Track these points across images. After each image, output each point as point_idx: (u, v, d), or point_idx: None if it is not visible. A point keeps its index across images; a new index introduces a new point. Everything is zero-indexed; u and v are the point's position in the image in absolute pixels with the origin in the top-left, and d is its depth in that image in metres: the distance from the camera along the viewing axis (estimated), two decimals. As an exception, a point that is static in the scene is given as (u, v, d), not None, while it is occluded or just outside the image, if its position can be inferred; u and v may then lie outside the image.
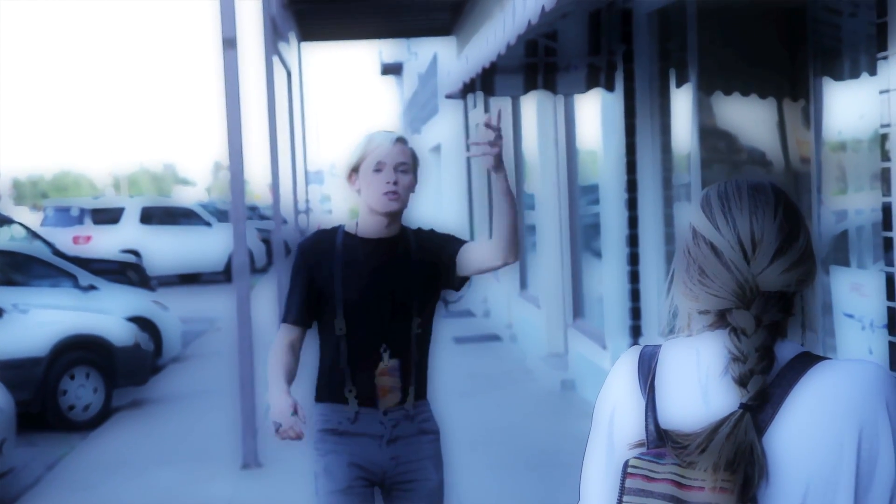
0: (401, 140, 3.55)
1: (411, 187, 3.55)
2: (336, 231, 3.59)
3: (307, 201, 16.68)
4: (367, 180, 3.50)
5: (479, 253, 3.54)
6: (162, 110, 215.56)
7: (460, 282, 3.61)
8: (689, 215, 1.67)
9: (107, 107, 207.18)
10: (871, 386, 1.54)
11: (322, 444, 3.51)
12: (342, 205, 58.78)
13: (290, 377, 3.50)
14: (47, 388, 9.30)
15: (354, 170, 3.55)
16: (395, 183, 3.48)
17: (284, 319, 3.57)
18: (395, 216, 3.54)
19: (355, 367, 3.49)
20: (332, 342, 3.51)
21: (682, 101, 6.77)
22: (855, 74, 4.66)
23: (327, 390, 3.55)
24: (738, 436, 1.49)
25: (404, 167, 3.52)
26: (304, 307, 3.54)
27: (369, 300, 3.49)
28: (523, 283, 13.01)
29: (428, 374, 3.66)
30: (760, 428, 1.51)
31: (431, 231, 3.68)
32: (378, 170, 3.49)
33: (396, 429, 3.52)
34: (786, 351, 1.58)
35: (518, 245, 3.52)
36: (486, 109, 14.72)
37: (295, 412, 3.34)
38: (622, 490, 1.52)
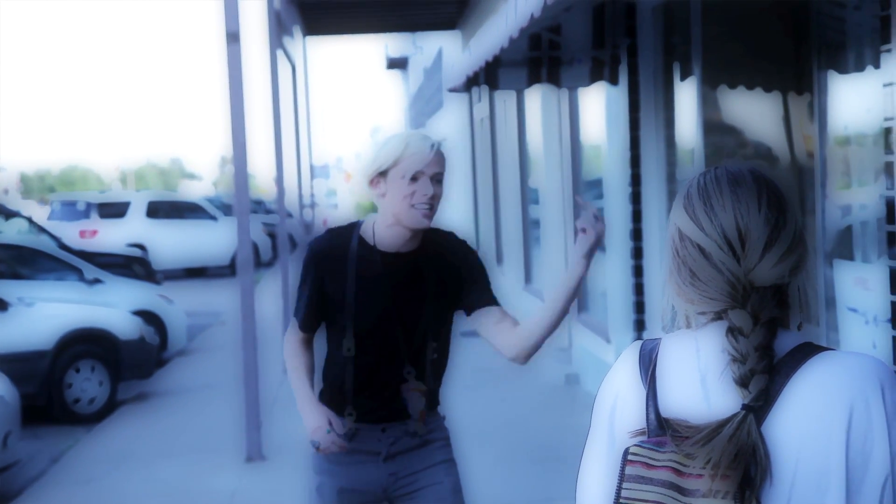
0: (438, 146, 3.16)
1: (440, 199, 3.19)
2: (350, 233, 3.23)
3: (312, 195, 16.69)
4: (399, 189, 3.10)
5: (497, 331, 3.25)
6: (168, 105, 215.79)
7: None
8: (673, 215, 1.63)
9: (113, 102, 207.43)
10: (865, 376, 1.51)
11: (317, 461, 3.31)
12: (348, 199, 58.94)
13: (312, 376, 3.32)
14: (53, 380, 9.32)
15: (382, 174, 3.13)
16: (433, 197, 3.12)
17: (295, 315, 3.32)
18: (420, 230, 3.20)
19: (359, 389, 3.25)
20: (339, 358, 3.25)
21: (687, 95, 6.76)
22: (860, 68, 4.65)
23: (328, 399, 3.31)
24: (740, 437, 1.47)
25: (440, 177, 3.15)
26: (313, 313, 3.27)
27: (384, 324, 3.19)
28: (528, 277, 13.01)
29: (440, 392, 3.39)
30: (759, 422, 1.49)
31: (452, 238, 3.34)
32: (415, 179, 3.10)
33: (395, 445, 3.29)
34: (786, 342, 1.56)
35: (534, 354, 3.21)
36: (491, 103, 14.73)
37: (331, 426, 3.19)
38: (622, 477, 1.51)
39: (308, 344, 3.36)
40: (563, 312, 3.20)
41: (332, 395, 3.30)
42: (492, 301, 3.30)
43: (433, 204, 3.15)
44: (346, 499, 3.28)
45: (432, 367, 3.30)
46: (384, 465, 3.29)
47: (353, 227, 3.25)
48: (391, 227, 3.18)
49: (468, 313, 3.30)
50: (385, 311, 3.19)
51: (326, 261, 3.21)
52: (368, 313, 3.19)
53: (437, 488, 3.33)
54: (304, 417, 3.23)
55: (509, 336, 3.23)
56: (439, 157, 3.15)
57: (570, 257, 3.00)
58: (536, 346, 3.21)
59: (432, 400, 3.36)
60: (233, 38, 7.61)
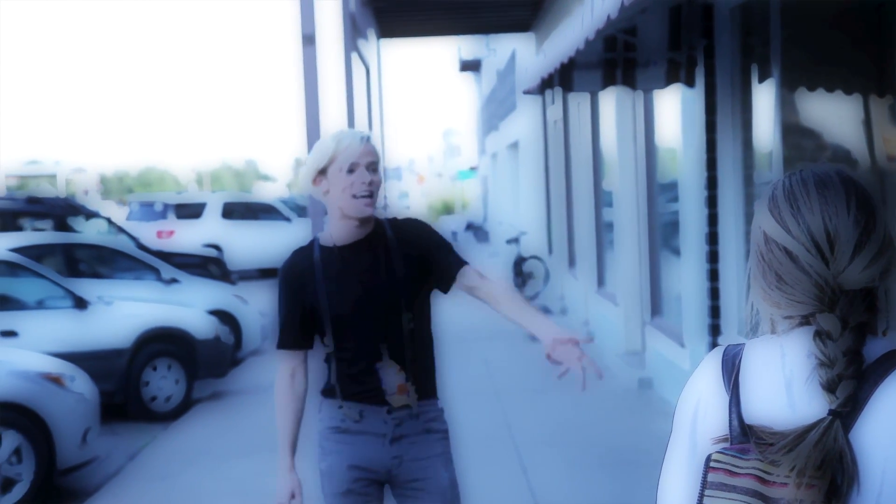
0: (368, 139, 3.42)
1: (380, 186, 3.42)
2: (312, 246, 3.47)
3: (385, 197, 16.77)
4: (339, 182, 3.35)
5: (484, 287, 3.44)
6: (244, 107, 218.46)
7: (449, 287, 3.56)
8: (759, 218, 1.61)
9: (190, 104, 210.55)
10: None
11: (325, 443, 3.48)
12: (420, 200, 59.06)
13: (298, 423, 3.49)
14: (130, 379, 9.49)
15: (322, 172, 3.38)
16: (371, 183, 3.35)
17: (282, 345, 3.50)
18: (366, 219, 3.41)
19: (345, 380, 3.42)
20: (325, 356, 3.49)
21: (765, 98, 6.66)
22: (944, 69, 4.54)
23: (328, 389, 3.51)
24: (826, 443, 1.44)
25: (374, 166, 3.38)
26: (300, 329, 3.47)
27: (357, 310, 3.38)
28: (601, 281, 12.93)
29: (432, 372, 3.52)
30: (846, 429, 1.47)
31: (409, 221, 3.54)
32: (351, 170, 3.34)
33: (400, 427, 3.43)
34: (875, 348, 1.53)
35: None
36: (565, 105, 14.66)
37: (293, 497, 3.47)
38: (704, 484, 1.49)
39: (298, 372, 3.51)
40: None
41: (327, 390, 3.50)
42: (463, 262, 3.48)
43: (372, 191, 3.37)
44: (355, 475, 3.44)
45: (410, 337, 3.42)
46: (390, 447, 3.44)
47: (314, 241, 3.50)
48: (341, 220, 3.41)
49: (454, 277, 3.45)
50: (356, 300, 3.38)
51: (295, 276, 3.45)
52: (341, 307, 3.39)
53: (437, 481, 3.47)
54: (277, 474, 3.51)
55: (500, 299, 3.45)
56: (371, 148, 3.40)
57: (552, 334, 3.44)
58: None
59: (423, 381, 3.46)
60: (308, 40, 7.68)
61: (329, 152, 3.36)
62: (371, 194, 3.35)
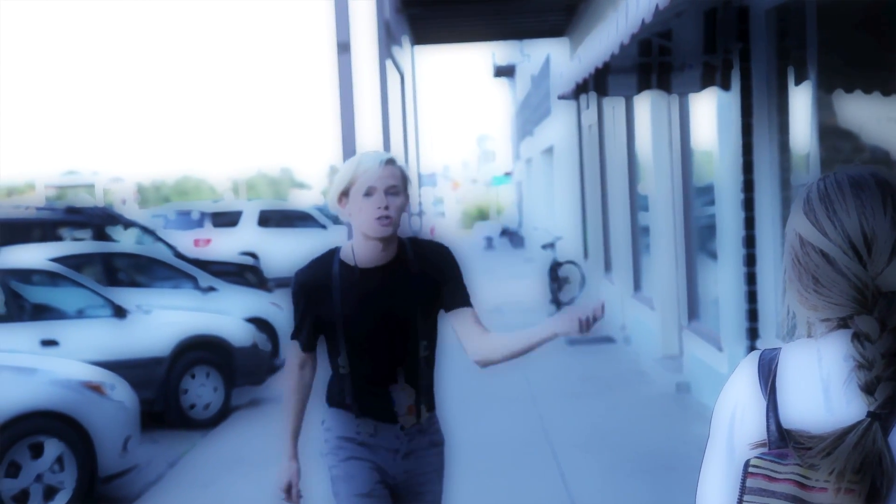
0: (390, 161, 3.43)
1: (403, 208, 3.44)
2: (332, 258, 3.49)
3: (420, 204, 16.80)
4: (358, 205, 3.39)
5: (469, 332, 3.45)
6: (278, 115, 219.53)
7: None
8: (793, 221, 1.61)
9: (226, 113, 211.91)
10: None
11: (341, 451, 3.56)
12: (454, 207, 58.97)
13: (303, 412, 3.65)
14: (169, 387, 9.55)
15: (344, 194, 3.43)
16: (387, 207, 3.37)
17: (294, 337, 3.60)
18: (389, 240, 3.43)
19: (363, 401, 3.50)
20: (337, 374, 3.54)
21: (802, 100, 6.63)
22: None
23: (341, 403, 3.57)
24: (865, 445, 1.44)
25: (394, 189, 3.40)
26: (309, 334, 3.56)
27: (374, 336, 3.44)
28: (637, 285, 12.89)
29: (434, 387, 3.62)
30: (885, 431, 1.46)
31: (431, 243, 3.60)
32: (368, 194, 3.37)
33: (411, 443, 3.54)
34: None
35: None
36: (599, 110, 14.63)
37: (289, 493, 3.64)
38: (742, 489, 1.49)
39: (307, 365, 3.63)
40: (528, 350, 3.40)
41: (339, 403, 3.58)
42: (466, 302, 3.51)
43: (389, 214, 3.38)
44: (377, 477, 3.52)
45: (425, 363, 3.52)
46: (402, 462, 3.54)
47: (334, 252, 3.51)
48: (365, 241, 3.44)
49: (446, 310, 3.52)
50: (374, 324, 3.43)
51: (312, 289, 3.47)
52: (359, 330, 3.44)
53: (433, 494, 3.62)
54: (281, 458, 3.69)
55: (479, 343, 3.44)
56: (391, 171, 3.41)
57: (548, 322, 3.27)
58: (498, 362, 3.46)
59: (430, 398, 3.58)
60: (343, 48, 7.72)
61: (349, 175, 3.40)
62: (389, 217, 3.37)
